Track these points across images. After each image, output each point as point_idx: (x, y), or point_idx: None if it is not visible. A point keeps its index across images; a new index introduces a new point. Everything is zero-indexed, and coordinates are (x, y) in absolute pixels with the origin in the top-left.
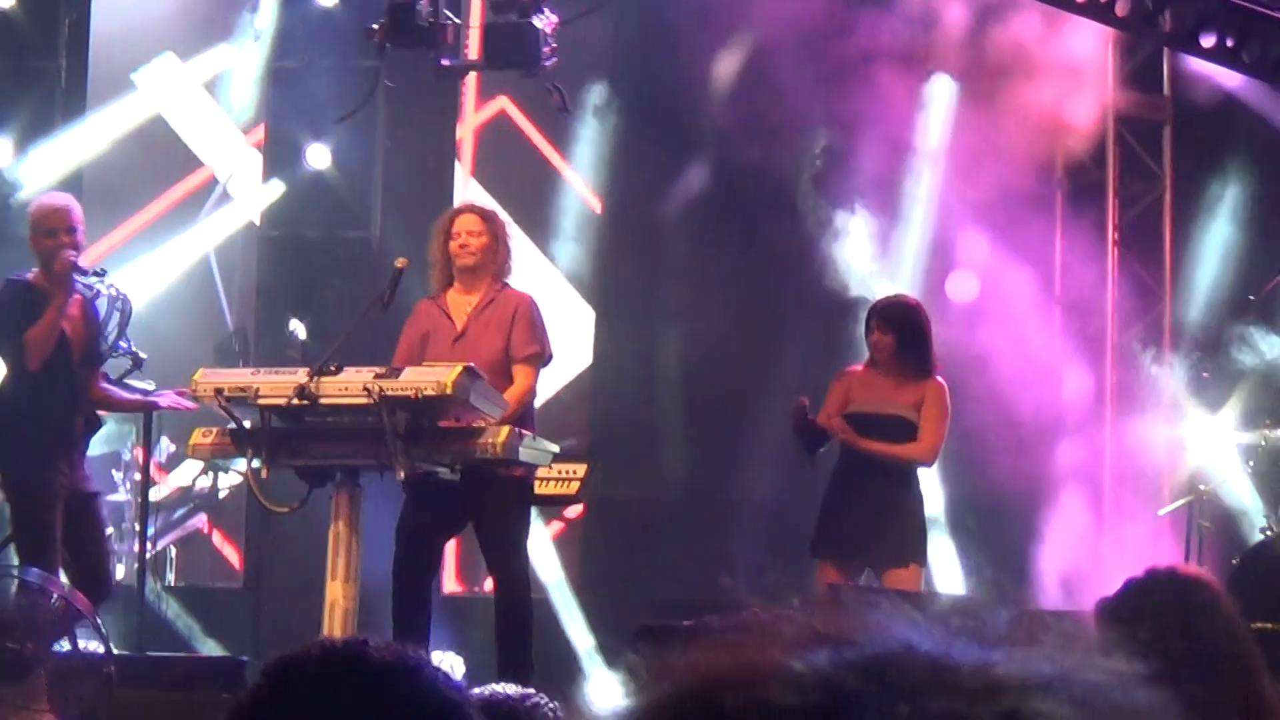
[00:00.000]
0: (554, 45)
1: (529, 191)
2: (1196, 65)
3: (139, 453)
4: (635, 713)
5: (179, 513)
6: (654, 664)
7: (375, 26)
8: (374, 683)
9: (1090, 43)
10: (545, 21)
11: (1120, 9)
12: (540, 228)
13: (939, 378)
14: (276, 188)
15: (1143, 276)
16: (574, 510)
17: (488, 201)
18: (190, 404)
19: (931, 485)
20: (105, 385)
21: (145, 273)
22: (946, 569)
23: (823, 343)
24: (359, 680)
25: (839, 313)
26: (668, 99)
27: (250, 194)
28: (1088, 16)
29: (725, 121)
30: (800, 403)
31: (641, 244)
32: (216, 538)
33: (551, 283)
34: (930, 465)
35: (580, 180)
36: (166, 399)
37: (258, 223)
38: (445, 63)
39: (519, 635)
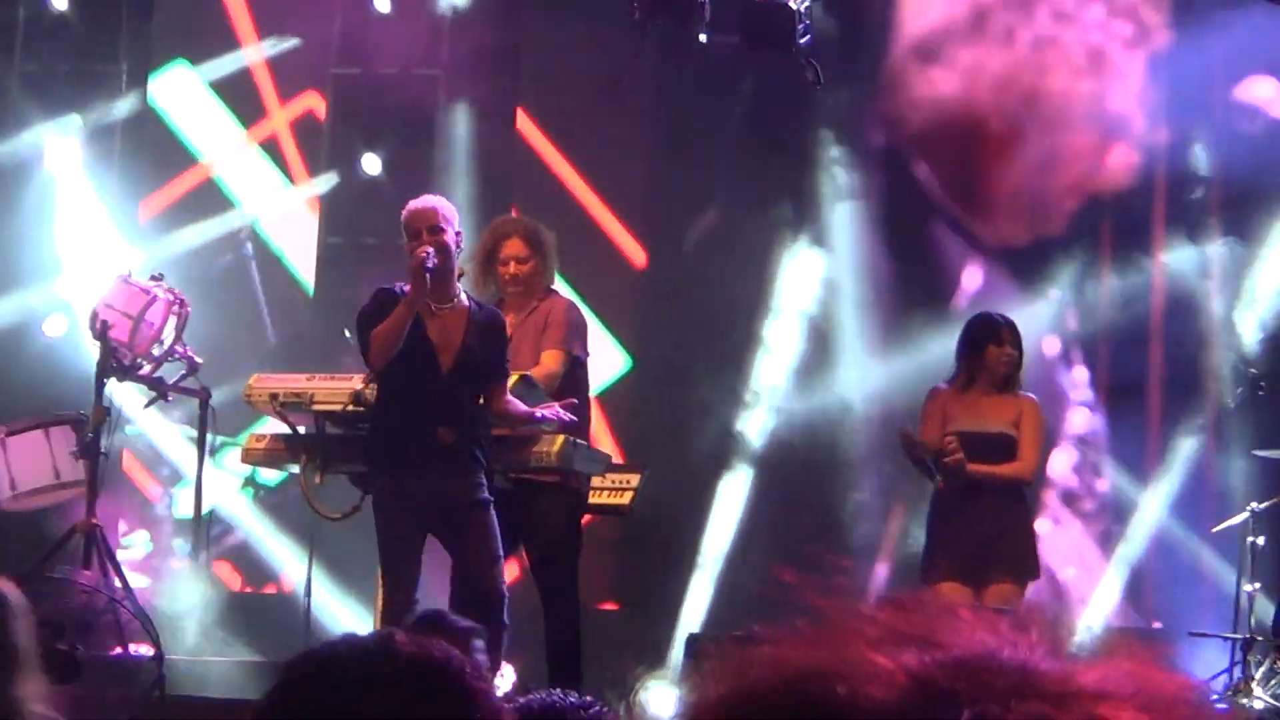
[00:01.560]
0: (808, 23)
1: None
2: None
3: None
4: (720, 702)
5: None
6: (738, 657)
7: (635, 2)
8: (401, 678)
9: None
10: (800, 2)
11: None
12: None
13: (1031, 394)
14: (332, 193)
15: None
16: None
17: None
18: (569, 415)
19: None
20: (509, 399)
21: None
22: None
23: None
24: (387, 674)
25: None
26: None
27: (300, 198)
28: None
29: None
30: (906, 433)
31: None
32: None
33: None
34: (1032, 483)
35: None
36: (551, 410)
37: (315, 229)
38: (704, 38)
39: (568, 651)
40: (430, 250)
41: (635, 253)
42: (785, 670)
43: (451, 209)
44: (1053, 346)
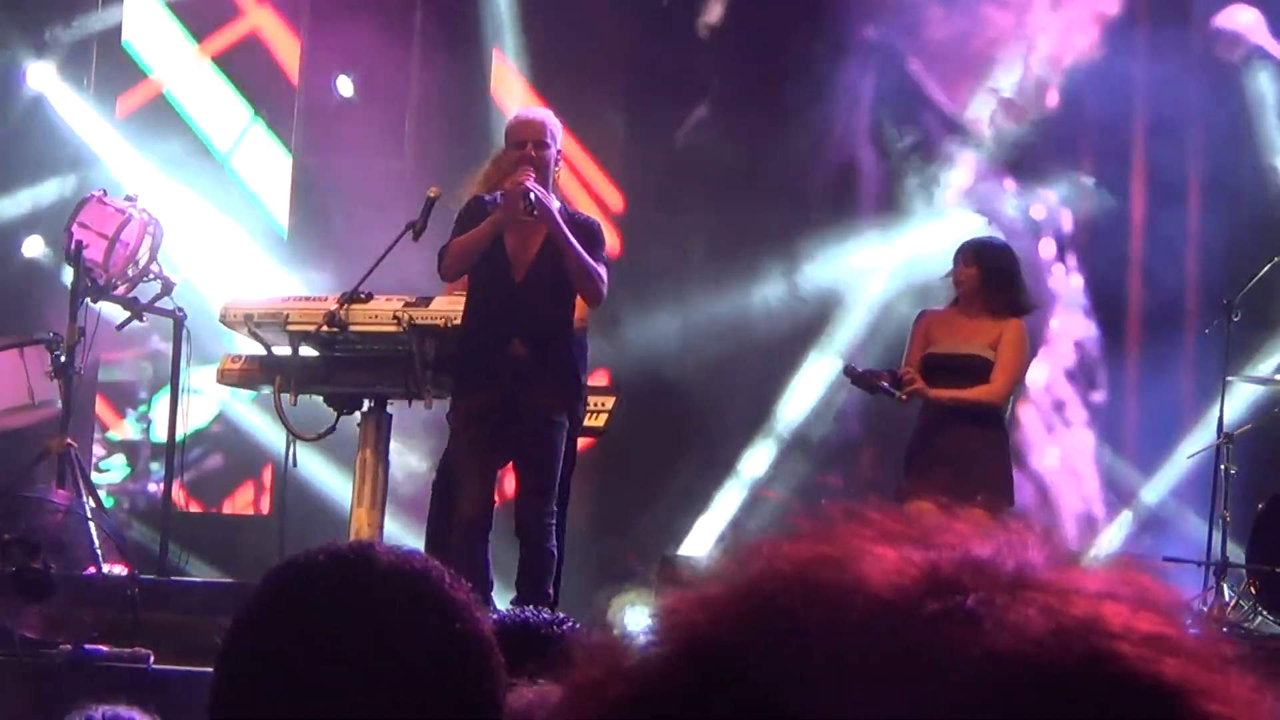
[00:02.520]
0: None
1: None
2: None
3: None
4: (723, 595)
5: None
6: (736, 555)
7: None
8: (379, 585)
9: None
10: None
11: None
12: None
13: (1020, 318)
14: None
15: None
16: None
17: None
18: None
19: None
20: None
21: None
22: None
23: None
24: (365, 583)
25: None
26: None
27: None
28: None
29: None
30: (849, 368)
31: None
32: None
33: None
34: (999, 406)
35: None
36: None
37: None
38: None
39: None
40: (531, 180)
41: (613, 197)
42: (788, 561)
43: (557, 124)
44: (1049, 249)
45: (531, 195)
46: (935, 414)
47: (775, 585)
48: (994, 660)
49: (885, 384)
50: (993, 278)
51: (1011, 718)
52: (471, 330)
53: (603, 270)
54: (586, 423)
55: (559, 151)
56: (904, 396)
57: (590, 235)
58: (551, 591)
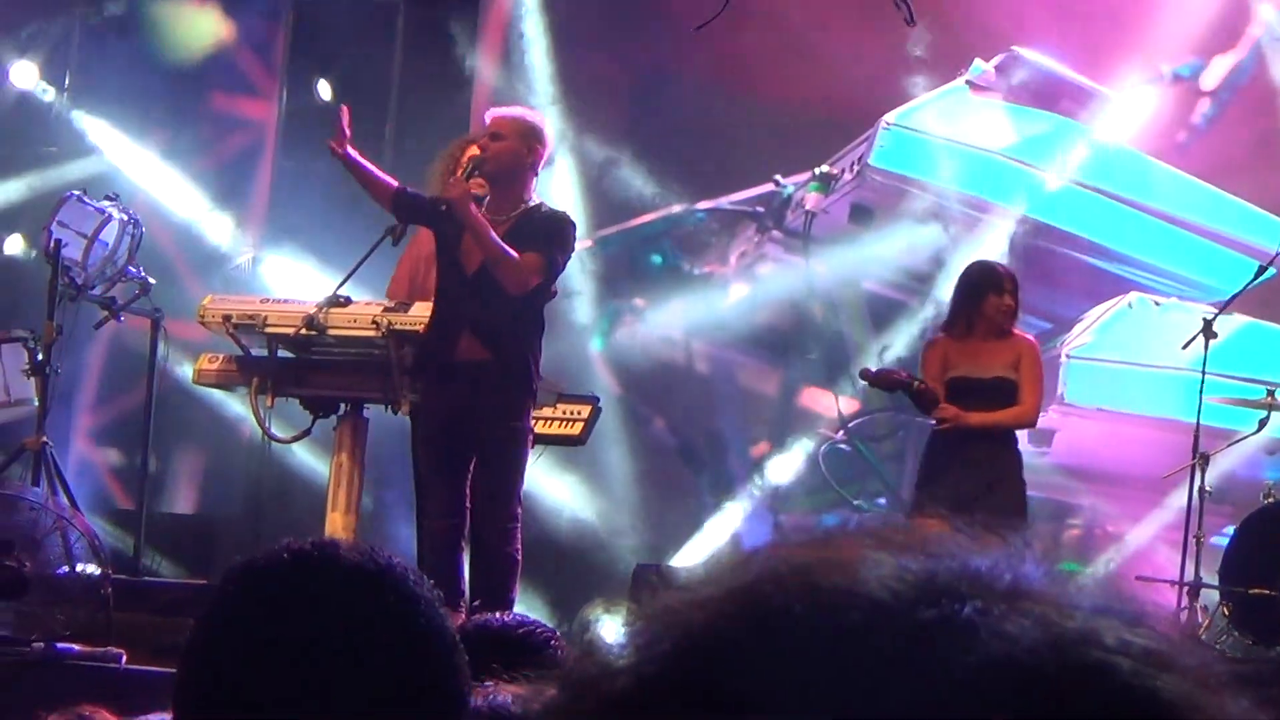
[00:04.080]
0: None
1: None
2: None
3: None
4: (721, 595)
5: None
6: (734, 559)
7: None
8: (341, 582)
9: None
10: None
11: None
12: None
13: (1028, 335)
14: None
15: None
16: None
17: None
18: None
19: None
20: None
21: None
22: None
23: None
24: (328, 580)
25: None
26: None
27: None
28: None
29: None
30: (864, 370)
31: None
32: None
33: None
34: (1035, 425)
35: None
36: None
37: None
38: None
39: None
40: (461, 179)
41: None
42: (786, 563)
43: (528, 120)
44: None
45: (452, 191)
46: (952, 434)
47: (773, 586)
48: (989, 668)
49: (903, 377)
50: (1017, 309)
51: None
52: (430, 326)
53: (535, 260)
54: (561, 430)
55: (534, 149)
56: (937, 420)
57: (549, 228)
58: (514, 597)
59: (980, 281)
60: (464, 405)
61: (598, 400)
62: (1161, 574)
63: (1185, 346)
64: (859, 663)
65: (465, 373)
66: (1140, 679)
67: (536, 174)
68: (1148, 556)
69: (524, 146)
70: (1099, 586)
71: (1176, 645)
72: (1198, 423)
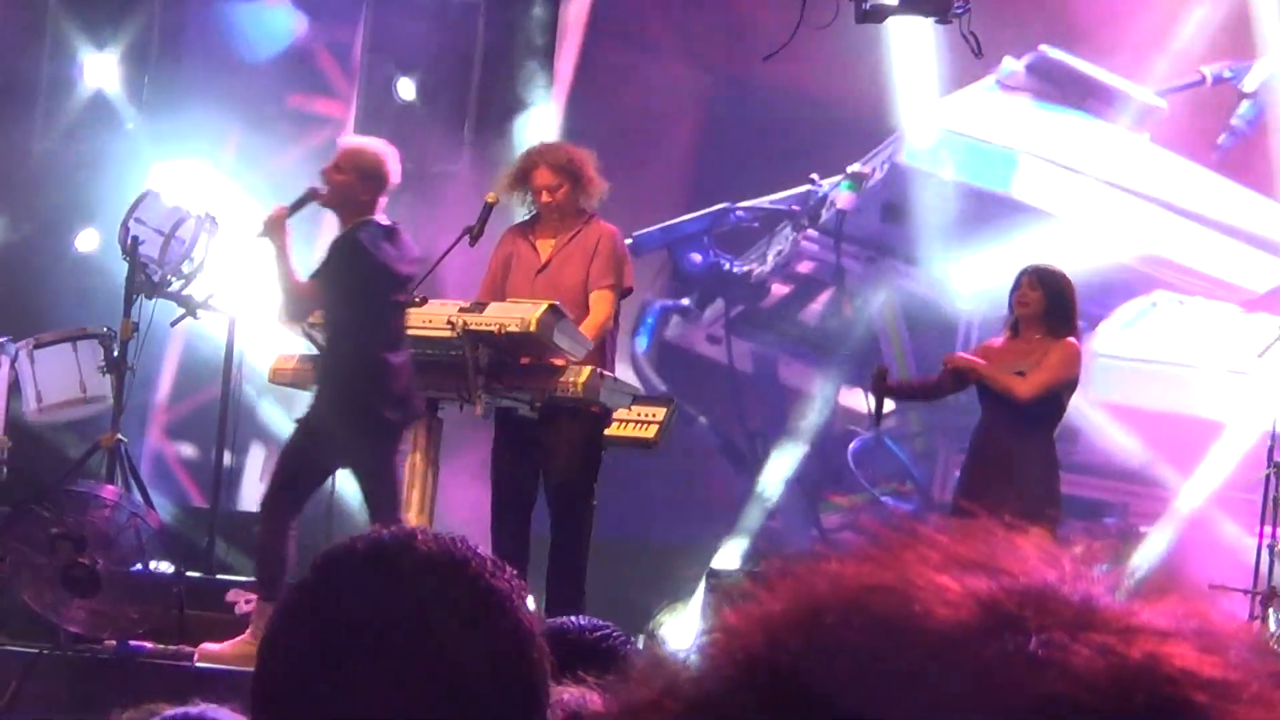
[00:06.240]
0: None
1: None
2: None
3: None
4: (780, 617)
5: None
6: (798, 573)
7: None
8: (420, 573)
9: None
10: None
11: None
12: None
13: (1074, 339)
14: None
15: None
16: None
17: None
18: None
19: None
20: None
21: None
22: None
23: None
24: (405, 570)
25: None
26: None
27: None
28: None
29: None
30: (882, 367)
31: None
32: None
33: None
34: (1023, 401)
35: None
36: None
37: None
38: (867, 6)
39: (571, 577)
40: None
41: None
42: (848, 587)
43: (368, 153)
44: None
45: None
46: (987, 431)
47: (836, 614)
48: (1049, 704)
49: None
50: (1054, 303)
51: None
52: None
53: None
54: (634, 433)
55: (368, 186)
56: (879, 424)
57: (333, 249)
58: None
59: (1018, 276)
60: (321, 419)
61: (673, 401)
62: (1196, 575)
63: (1261, 355)
64: (921, 697)
65: (321, 386)
66: (1208, 714)
67: (375, 203)
68: (1183, 557)
69: (359, 182)
70: (1169, 600)
71: (1250, 670)
72: (1274, 431)
